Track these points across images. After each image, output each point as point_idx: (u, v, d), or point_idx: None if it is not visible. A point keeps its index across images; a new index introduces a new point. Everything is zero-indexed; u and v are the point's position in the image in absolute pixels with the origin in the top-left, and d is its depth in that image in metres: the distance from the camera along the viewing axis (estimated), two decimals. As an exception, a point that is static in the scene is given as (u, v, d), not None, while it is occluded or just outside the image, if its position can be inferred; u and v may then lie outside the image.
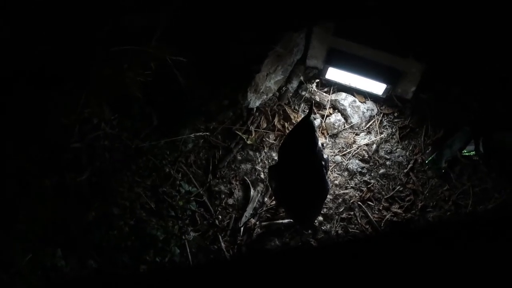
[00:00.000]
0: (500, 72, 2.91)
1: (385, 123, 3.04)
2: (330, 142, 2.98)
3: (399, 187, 2.87)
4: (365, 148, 2.96)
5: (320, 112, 3.05)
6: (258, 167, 2.89)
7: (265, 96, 2.98)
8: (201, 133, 2.84)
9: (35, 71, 2.17)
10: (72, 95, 2.26)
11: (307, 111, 2.98)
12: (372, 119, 3.04)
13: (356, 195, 2.85)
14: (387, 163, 2.93)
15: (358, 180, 2.89)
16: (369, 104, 3.06)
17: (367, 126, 3.03)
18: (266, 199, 2.82)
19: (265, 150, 2.93)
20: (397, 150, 2.97)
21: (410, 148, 2.97)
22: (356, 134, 3.01)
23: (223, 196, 2.82)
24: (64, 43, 2.22)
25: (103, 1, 2.31)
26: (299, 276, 1.07)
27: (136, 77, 2.38)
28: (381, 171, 2.91)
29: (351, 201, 2.83)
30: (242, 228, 2.73)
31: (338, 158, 2.93)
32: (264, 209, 2.79)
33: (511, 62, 2.84)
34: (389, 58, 2.82)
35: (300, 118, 2.99)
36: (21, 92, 2.15)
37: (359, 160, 2.93)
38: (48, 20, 2.19)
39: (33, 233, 2.21)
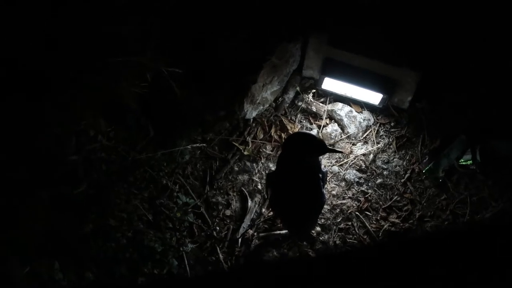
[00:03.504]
0: (495, 79, 2.92)
1: (381, 133, 3.04)
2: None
3: (396, 197, 2.87)
4: (362, 158, 2.96)
5: (317, 122, 3.05)
6: (255, 178, 2.89)
7: (261, 107, 2.98)
8: (198, 144, 2.84)
9: (28, 81, 2.16)
10: (68, 107, 2.26)
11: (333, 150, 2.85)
12: (368, 129, 3.04)
13: (354, 205, 2.85)
14: (384, 173, 2.93)
15: (356, 190, 2.89)
16: (366, 114, 3.07)
17: (364, 136, 3.03)
18: (263, 210, 2.82)
19: (262, 161, 2.93)
20: (394, 159, 2.97)
21: (407, 158, 2.97)
22: (353, 144, 3.01)
23: (221, 207, 2.82)
24: (58, 54, 2.21)
25: (96, 12, 2.31)
26: (298, 286, 1.06)
27: (131, 88, 2.38)
28: (379, 181, 2.91)
29: (349, 211, 2.83)
30: (240, 239, 2.73)
31: (335, 168, 2.93)
32: (262, 220, 2.79)
33: (506, 69, 2.85)
34: (385, 67, 2.83)
35: (297, 129, 2.99)
36: (15, 103, 2.15)
37: (356, 170, 2.93)
38: (41, 29, 2.19)
39: (31, 245, 2.20)
